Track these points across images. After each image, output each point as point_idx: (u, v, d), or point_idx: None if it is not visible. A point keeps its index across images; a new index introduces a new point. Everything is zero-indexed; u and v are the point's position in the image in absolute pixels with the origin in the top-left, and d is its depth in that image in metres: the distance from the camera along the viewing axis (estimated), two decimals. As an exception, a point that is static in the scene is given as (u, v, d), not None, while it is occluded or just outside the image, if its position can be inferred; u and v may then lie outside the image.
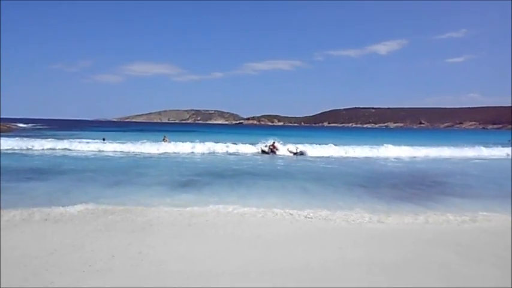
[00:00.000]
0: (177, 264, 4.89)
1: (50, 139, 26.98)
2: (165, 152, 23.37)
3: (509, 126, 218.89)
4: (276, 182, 13.09)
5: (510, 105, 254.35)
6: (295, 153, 24.98)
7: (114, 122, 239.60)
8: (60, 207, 8.05)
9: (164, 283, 4.29)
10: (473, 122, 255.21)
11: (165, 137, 30.89)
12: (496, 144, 31.92)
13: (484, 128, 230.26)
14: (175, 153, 23.30)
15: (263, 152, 25.28)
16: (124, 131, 62.84)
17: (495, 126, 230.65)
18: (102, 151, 22.78)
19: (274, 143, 25.84)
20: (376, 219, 7.72)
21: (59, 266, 4.78)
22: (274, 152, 25.02)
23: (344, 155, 24.70)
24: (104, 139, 29.15)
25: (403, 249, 5.69)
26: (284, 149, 25.44)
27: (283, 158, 23.09)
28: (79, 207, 8.01)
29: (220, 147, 25.56)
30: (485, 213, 8.45)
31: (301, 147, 25.68)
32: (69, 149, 23.14)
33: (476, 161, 23.15)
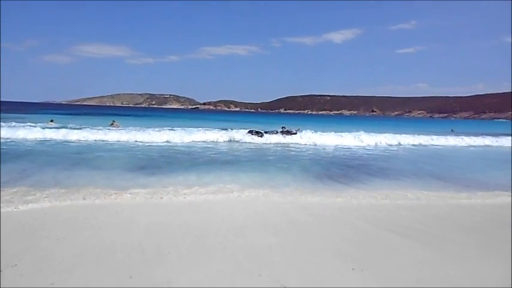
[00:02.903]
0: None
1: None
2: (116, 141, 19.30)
3: (455, 116, 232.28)
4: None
5: (454, 95, 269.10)
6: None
7: (63, 104, 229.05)
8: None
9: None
10: (422, 111, 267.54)
11: (113, 121, 29.58)
12: (437, 133, 32.95)
13: (431, 116, 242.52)
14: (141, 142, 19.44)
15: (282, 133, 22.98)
16: (74, 114, 59.82)
17: (441, 115, 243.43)
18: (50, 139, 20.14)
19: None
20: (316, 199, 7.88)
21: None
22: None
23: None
24: (52, 121, 27.81)
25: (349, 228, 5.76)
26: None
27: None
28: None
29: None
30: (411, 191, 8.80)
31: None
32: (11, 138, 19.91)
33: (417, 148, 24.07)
